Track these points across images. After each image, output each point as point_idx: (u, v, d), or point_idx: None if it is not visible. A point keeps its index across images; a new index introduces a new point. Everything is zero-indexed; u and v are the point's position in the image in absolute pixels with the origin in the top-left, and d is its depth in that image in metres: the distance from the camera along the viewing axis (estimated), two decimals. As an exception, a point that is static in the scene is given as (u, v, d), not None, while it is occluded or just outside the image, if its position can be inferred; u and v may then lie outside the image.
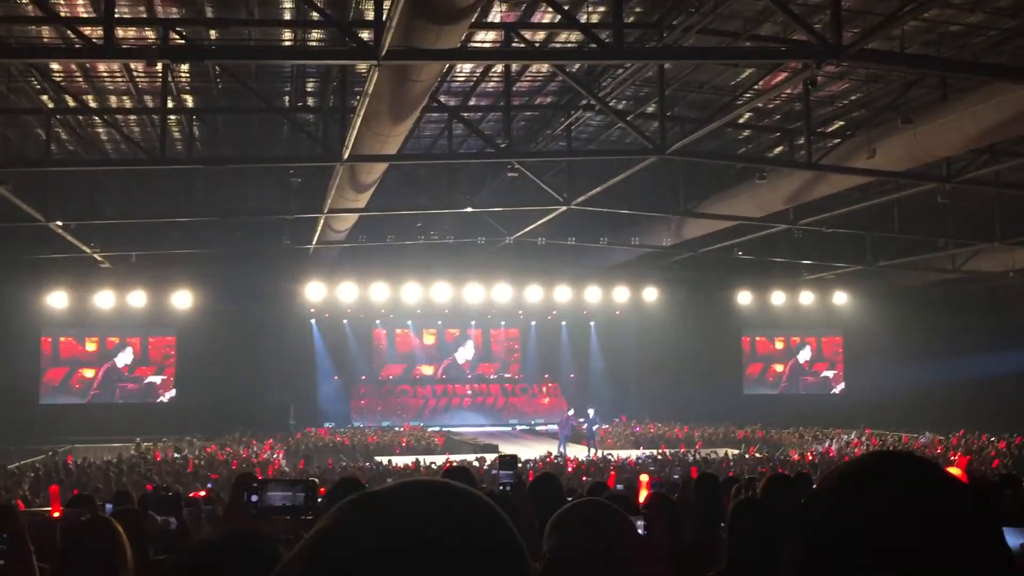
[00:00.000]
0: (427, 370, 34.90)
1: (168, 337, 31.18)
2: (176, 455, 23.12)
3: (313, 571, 0.91)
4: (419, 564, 0.89)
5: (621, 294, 31.53)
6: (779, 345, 36.02)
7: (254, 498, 3.33)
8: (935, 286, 30.18)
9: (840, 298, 33.28)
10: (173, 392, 31.13)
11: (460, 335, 34.94)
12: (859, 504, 1.07)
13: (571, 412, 28.70)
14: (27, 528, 3.24)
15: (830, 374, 36.13)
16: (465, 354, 35.16)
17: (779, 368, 35.96)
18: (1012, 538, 3.43)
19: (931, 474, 1.10)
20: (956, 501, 1.07)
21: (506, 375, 35.39)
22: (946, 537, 1.03)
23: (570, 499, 4.58)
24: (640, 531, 2.59)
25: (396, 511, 0.93)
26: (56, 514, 5.30)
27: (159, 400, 31.11)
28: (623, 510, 2.33)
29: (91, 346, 30.90)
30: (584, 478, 13.15)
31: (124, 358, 30.98)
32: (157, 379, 31.34)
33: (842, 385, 35.80)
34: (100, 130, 19.52)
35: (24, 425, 26.07)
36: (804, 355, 36.19)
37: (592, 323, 34.77)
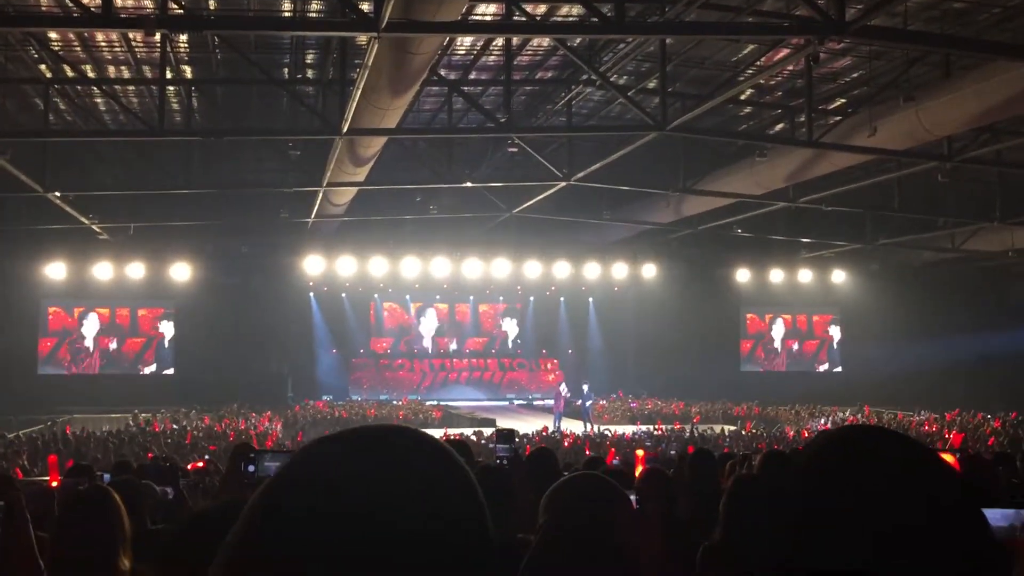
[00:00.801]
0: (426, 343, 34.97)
1: (157, 309, 31.12)
2: (174, 426, 23.20)
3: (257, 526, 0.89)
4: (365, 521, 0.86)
5: (620, 270, 31.54)
6: (776, 322, 36.08)
7: (251, 468, 3.35)
8: (934, 265, 30.20)
9: (838, 276, 33.32)
10: (154, 366, 31.12)
11: (421, 307, 34.81)
12: (850, 480, 1.07)
13: (563, 387, 28.78)
14: (25, 497, 3.25)
15: (827, 352, 36.23)
16: (428, 326, 35.13)
17: (776, 345, 36.05)
18: (1004, 519, 3.43)
19: (908, 450, 1.10)
20: (939, 478, 1.07)
21: (493, 350, 35.44)
22: (933, 516, 1.03)
23: (566, 473, 4.60)
24: (633, 505, 2.61)
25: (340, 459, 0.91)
26: (54, 483, 5.33)
27: (141, 372, 31.10)
28: (619, 484, 2.34)
29: (88, 320, 30.87)
30: (588, 452, 13.15)
31: (91, 327, 30.79)
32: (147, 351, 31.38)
33: (839, 363, 35.91)
34: (98, 100, 19.42)
35: (23, 395, 26.16)
36: (801, 333, 36.27)
37: (591, 299, 34.82)
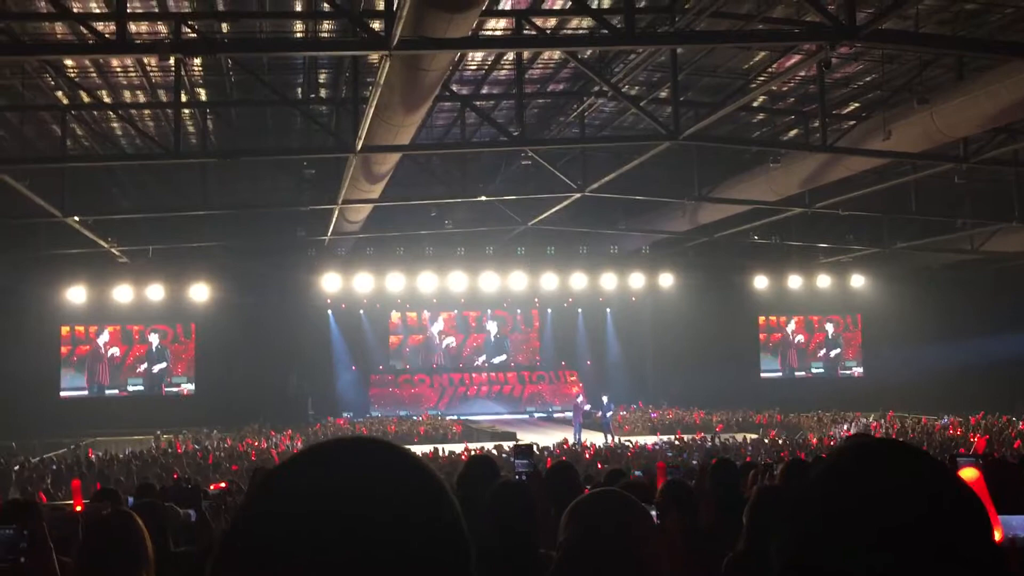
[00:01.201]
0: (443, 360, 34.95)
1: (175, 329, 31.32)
2: (196, 447, 23.30)
3: (236, 541, 0.91)
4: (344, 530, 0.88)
5: (637, 280, 31.49)
6: (795, 328, 35.90)
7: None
8: (953, 267, 29.99)
9: (857, 281, 33.14)
10: (192, 385, 31.34)
11: (438, 320, 34.74)
12: (849, 496, 1.08)
13: (580, 399, 28.73)
14: (49, 522, 3.28)
15: (848, 357, 36.01)
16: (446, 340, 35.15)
17: (796, 351, 35.86)
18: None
19: (917, 465, 1.10)
20: (942, 494, 1.07)
21: (511, 363, 35.36)
22: (936, 531, 1.04)
23: (588, 487, 4.60)
24: (654, 519, 2.60)
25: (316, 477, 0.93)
26: (78, 508, 5.36)
27: (170, 392, 31.29)
28: (639, 498, 2.33)
29: (103, 337, 31.07)
30: (600, 465, 13.06)
31: (107, 345, 30.94)
32: (178, 375, 31.54)
33: (860, 368, 35.68)
34: (115, 125, 19.61)
35: (45, 418, 26.36)
36: (821, 338, 36.07)
37: (608, 310, 34.76)
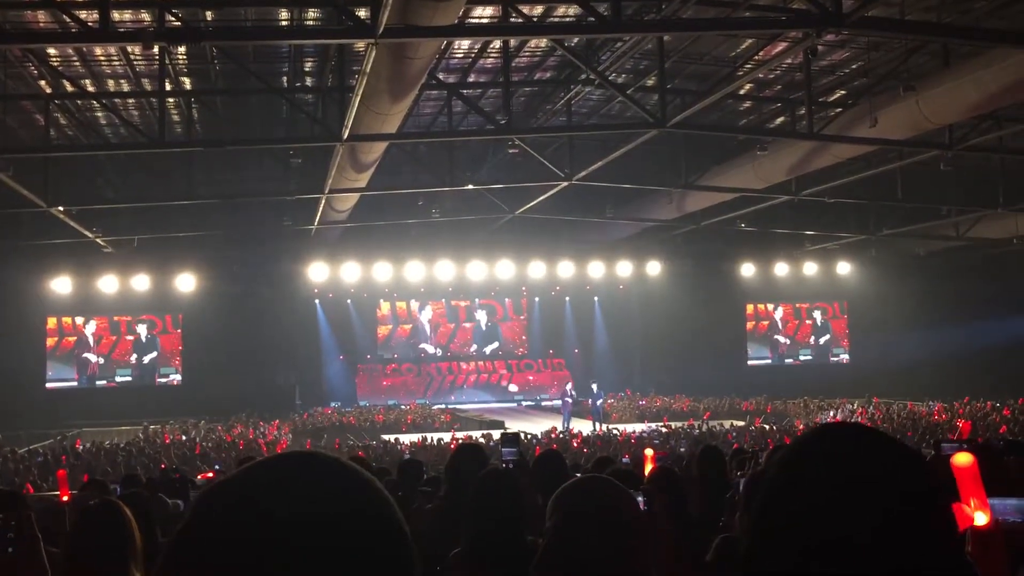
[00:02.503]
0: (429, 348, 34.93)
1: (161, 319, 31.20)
2: (183, 437, 23.25)
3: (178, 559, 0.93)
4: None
5: (624, 268, 31.54)
6: (782, 315, 36.04)
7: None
8: (938, 254, 30.15)
9: (843, 268, 33.29)
10: (179, 375, 31.25)
11: (425, 309, 34.73)
12: (799, 488, 1.08)
13: (569, 387, 28.78)
14: (36, 513, 3.26)
15: (834, 344, 36.18)
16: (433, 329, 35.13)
17: (782, 339, 36.01)
18: (1018, 511, 3.41)
19: (877, 451, 1.10)
20: (900, 479, 1.07)
21: (500, 352, 35.39)
22: (885, 522, 1.03)
23: (578, 475, 4.61)
24: (641, 506, 2.61)
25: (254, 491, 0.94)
26: (65, 498, 5.34)
27: (160, 382, 31.20)
28: (626, 485, 2.34)
29: (91, 327, 30.92)
30: (585, 450, 12.98)
31: (92, 336, 30.80)
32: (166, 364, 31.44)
33: (847, 354, 35.86)
34: (99, 114, 19.48)
35: (31, 409, 26.22)
36: (808, 325, 36.22)
37: (596, 298, 34.80)
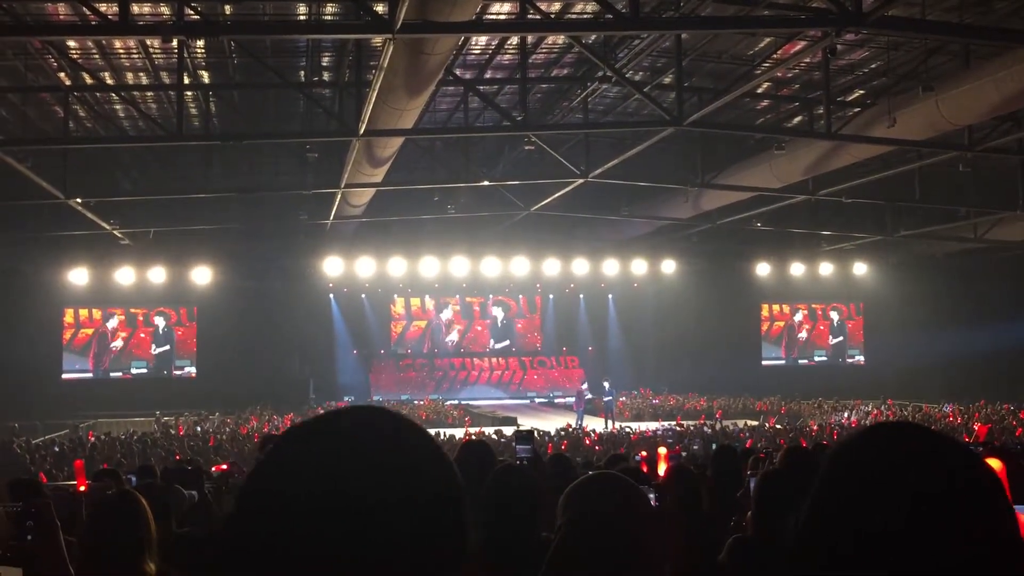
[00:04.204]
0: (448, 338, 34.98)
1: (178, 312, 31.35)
2: (198, 429, 23.37)
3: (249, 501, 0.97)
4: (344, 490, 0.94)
5: (639, 266, 31.49)
6: (798, 316, 35.91)
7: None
8: (956, 256, 29.95)
9: (860, 268, 33.12)
10: (194, 368, 31.41)
11: (440, 305, 34.78)
12: (853, 485, 1.07)
13: (584, 386, 28.76)
14: (52, 502, 3.29)
15: (849, 345, 36.03)
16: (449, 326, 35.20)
17: (800, 338, 35.88)
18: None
19: (935, 451, 1.09)
20: (957, 480, 1.06)
21: (513, 349, 35.41)
22: (939, 519, 1.03)
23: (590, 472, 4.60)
24: (652, 503, 2.61)
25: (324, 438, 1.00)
26: (82, 488, 5.38)
27: (176, 374, 31.39)
28: (637, 482, 2.34)
29: (112, 322, 31.12)
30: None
31: (112, 328, 30.99)
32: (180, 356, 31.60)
33: (862, 356, 35.70)
34: (117, 107, 19.57)
35: (47, 400, 26.43)
36: (825, 326, 36.07)
37: (610, 296, 34.76)
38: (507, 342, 35.40)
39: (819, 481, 1.11)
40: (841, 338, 36.07)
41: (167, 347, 31.49)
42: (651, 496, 2.62)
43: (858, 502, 1.06)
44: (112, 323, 30.92)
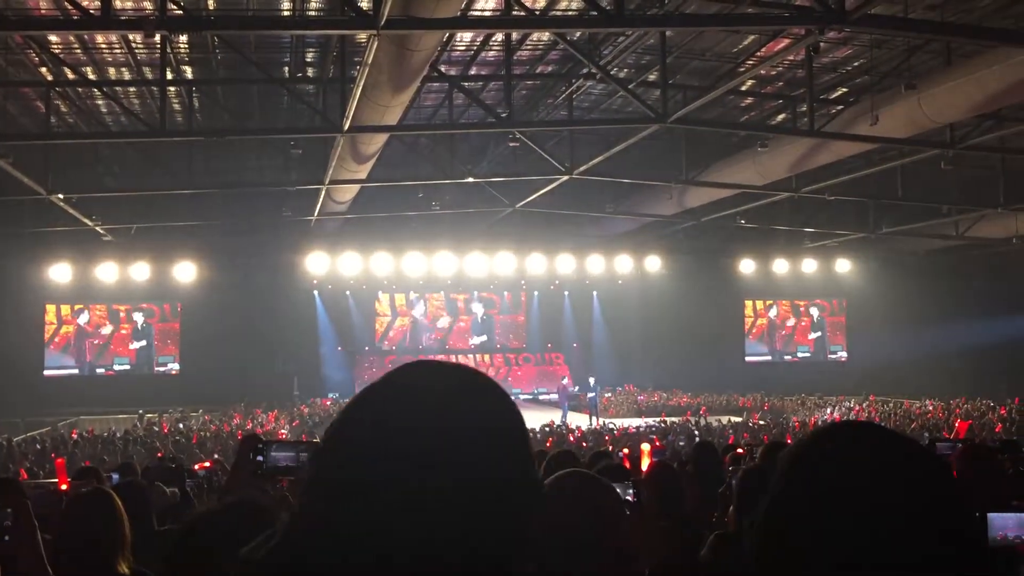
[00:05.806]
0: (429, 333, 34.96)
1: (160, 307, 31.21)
2: (180, 426, 23.26)
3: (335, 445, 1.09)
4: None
5: (624, 263, 31.53)
6: (781, 312, 36.05)
7: (259, 458, 3.37)
8: (938, 253, 30.14)
9: (843, 265, 33.28)
10: (178, 365, 31.27)
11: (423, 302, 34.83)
12: (808, 487, 1.08)
13: (564, 381, 28.79)
14: (32, 500, 3.27)
15: (832, 341, 36.20)
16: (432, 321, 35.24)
17: (781, 335, 36.03)
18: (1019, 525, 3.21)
19: (890, 450, 1.10)
20: (913, 478, 1.07)
21: (497, 345, 35.44)
22: (894, 518, 1.03)
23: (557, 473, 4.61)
24: (629, 499, 2.62)
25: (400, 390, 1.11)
26: (63, 486, 5.35)
27: (159, 371, 31.25)
28: (617, 478, 2.34)
29: (83, 317, 30.92)
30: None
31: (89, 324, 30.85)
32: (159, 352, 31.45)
33: (845, 352, 35.88)
34: (100, 102, 19.44)
35: (29, 397, 26.22)
36: (807, 322, 36.24)
37: (595, 292, 34.80)
38: (484, 337, 35.35)
39: (775, 481, 1.12)
40: (820, 333, 36.22)
41: (143, 343, 31.30)
42: (629, 491, 2.62)
43: (814, 502, 1.06)
44: (84, 318, 30.67)
